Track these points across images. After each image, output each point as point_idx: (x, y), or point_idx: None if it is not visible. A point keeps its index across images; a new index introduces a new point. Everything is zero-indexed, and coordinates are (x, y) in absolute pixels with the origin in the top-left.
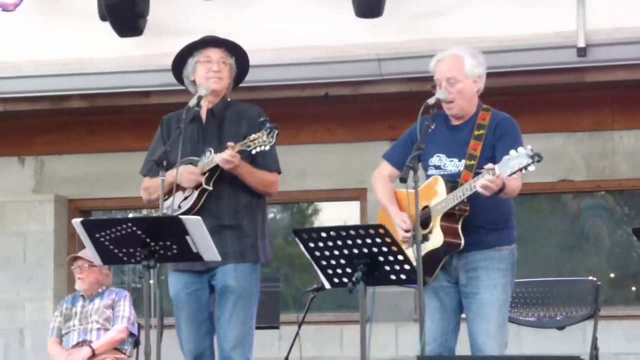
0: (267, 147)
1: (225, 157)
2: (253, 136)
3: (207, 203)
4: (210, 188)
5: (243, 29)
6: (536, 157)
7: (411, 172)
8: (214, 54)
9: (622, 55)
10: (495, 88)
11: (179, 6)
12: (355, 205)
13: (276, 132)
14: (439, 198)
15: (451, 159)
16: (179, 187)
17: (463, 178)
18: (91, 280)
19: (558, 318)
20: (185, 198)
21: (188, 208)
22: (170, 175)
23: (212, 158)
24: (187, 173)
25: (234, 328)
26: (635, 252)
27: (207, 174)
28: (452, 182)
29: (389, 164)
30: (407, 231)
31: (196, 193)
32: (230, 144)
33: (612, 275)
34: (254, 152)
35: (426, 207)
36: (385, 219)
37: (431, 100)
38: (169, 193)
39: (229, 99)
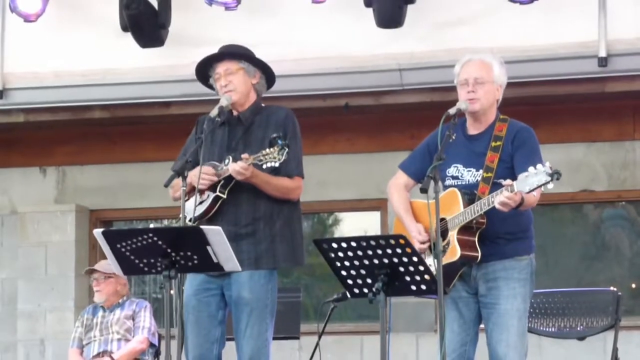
0: (277, 164)
1: (237, 168)
2: (265, 151)
3: (225, 209)
4: (224, 196)
5: (264, 39)
6: (555, 175)
7: (432, 183)
8: (220, 68)
9: None
10: (516, 98)
11: (200, 17)
12: (375, 216)
13: (286, 150)
14: (456, 211)
15: (469, 169)
16: (200, 191)
17: (480, 190)
18: (109, 292)
19: (579, 328)
20: (201, 202)
21: (201, 213)
22: (190, 177)
23: (227, 167)
24: (202, 174)
25: (249, 341)
26: None
27: (222, 182)
28: (469, 194)
29: (405, 174)
30: (423, 243)
31: (210, 199)
32: (244, 155)
33: (633, 285)
34: (264, 167)
35: (443, 219)
36: (400, 229)
37: (452, 110)
38: (190, 193)
39: (262, 105)
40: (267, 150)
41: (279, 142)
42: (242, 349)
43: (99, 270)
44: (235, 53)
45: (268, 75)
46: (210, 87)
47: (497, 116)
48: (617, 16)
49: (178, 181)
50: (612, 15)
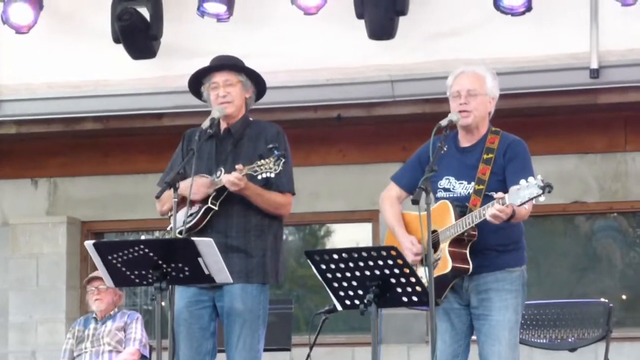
0: (273, 175)
1: (232, 179)
2: (261, 162)
3: (215, 221)
4: (216, 208)
5: (256, 50)
6: (547, 189)
7: (424, 194)
8: (219, 78)
9: (635, 76)
10: (508, 109)
11: (192, 28)
12: (367, 227)
13: (283, 160)
14: (448, 223)
15: (460, 182)
16: (190, 202)
17: (472, 202)
18: (108, 301)
19: (570, 340)
20: (191, 214)
21: (191, 225)
22: (183, 187)
23: (220, 178)
24: (196, 185)
25: (241, 353)
26: None
27: (214, 193)
28: (461, 206)
29: (397, 185)
30: (416, 255)
31: (201, 211)
32: (238, 166)
33: (624, 296)
34: (259, 177)
35: (434, 231)
36: (393, 241)
37: (444, 122)
38: (180, 205)
39: (251, 119)
40: (263, 160)
41: (275, 152)
42: None
43: (101, 278)
44: (236, 65)
45: (259, 90)
46: (199, 97)
47: (489, 128)
48: (609, 28)
49: (166, 195)
50: (604, 27)
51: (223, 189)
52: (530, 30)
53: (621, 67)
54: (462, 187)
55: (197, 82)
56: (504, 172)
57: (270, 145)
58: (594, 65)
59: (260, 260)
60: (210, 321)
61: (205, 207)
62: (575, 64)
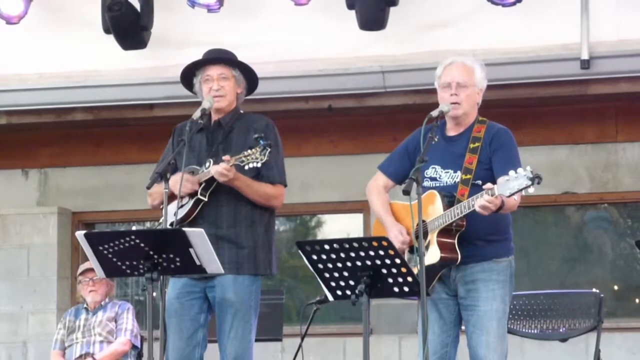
0: (259, 164)
1: (220, 170)
2: (247, 152)
3: (205, 212)
4: (205, 199)
5: (247, 41)
6: (536, 180)
7: (414, 184)
8: (214, 71)
9: (625, 67)
10: (499, 100)
11: (183, 19)
12: (358, 218)
13: (268, 150)
14: (436, 213)
15: (446, 171)
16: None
17: (459, 192)
18: (102, 292)
19: (561, 330)
20: (182, 206)
21: (182, 217)
22: (172, 183)
23: (209, 169)
24: (183, 181)
25: (233, 342)
26: (639, 264)
27: (203, 185)
28: (449, 196)
29: (384, 175)
30: (402, 243)
31: (191, 202)
32: (225, 157)
33: (615, 287)
34: (246, 167)
35: (423, 221)
36: (380, 230)
37: (435, 113)
38: (170, 198)
39: (241, 111)
40: (249, 151)
41: (261, 142)
42: (226, 350)
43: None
44: (232, 60)
45: (250, 86)
46: (189, 88)
47: (476, 118)
48: (599, 18)
49: (157, 189)
50: (594, 17)
51: (212, 180)
52: (520, 21)
53: (612, 57)
54: (448, 176)
55: (189, 73)
56: (490, 161)
57: (256, 135)
58: (585, 56)
59: (251, 251)
60: (201, 312)
61: (195, 198)
62: (565, 55)
